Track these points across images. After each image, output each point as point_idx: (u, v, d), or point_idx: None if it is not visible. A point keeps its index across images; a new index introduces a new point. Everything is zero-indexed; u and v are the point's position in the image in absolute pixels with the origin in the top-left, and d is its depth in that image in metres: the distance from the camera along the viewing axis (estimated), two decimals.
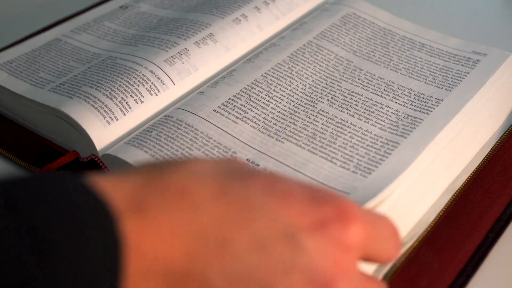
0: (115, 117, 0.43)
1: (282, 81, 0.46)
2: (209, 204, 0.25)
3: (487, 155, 0.43)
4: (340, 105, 0.44)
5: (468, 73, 0.45)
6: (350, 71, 0.47)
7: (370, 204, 0.35)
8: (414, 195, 0.38)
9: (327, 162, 0.39)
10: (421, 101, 0.43)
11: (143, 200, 0.24)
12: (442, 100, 0.43)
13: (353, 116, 0.43)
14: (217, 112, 0.43)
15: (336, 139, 0.41)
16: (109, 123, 0.43)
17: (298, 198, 0.27)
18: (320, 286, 0.26)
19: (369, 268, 0.35)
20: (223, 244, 0.25)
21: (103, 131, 0.42)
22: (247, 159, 0.39)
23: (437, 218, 0.38)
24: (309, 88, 0.45)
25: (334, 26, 0.51)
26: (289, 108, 0.44)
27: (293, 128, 0.42)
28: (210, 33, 0.50)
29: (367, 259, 0.29)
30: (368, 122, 0.42)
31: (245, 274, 0.25)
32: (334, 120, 0.42)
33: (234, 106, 0.43)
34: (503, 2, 0.62)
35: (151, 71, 0.46)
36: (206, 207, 0.25)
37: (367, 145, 0.40)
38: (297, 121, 0.42)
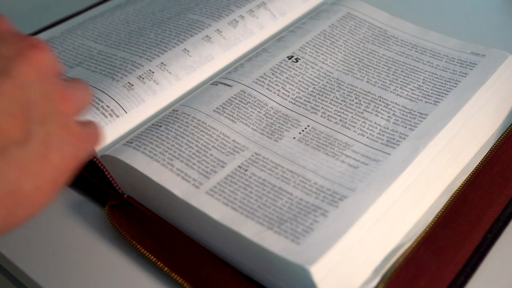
0: (114, 118, 0.43)
1: (277, 85, 0.46)
2: None
3: (485, 156, 0.43)
4: (343, 100, 0.44)
5: (467, 74, 0.45)
6: (357, 67, 0.47)
7: (373, 202, 0.35)
8: (413, 195, 0.38)
9: (330, 158, 0.39)
10: (423, 95, 0.44)
11: None
12: (440, 100, 0.43)
13: (352, 112, 0.43)
14: (217, 112, 0.43)
15: (348, 129, 0.41)
16: (107, 124, 0.43)
17: None
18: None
19: (369, 268, 0.35)
20: None
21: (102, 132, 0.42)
22: (240, 165, 0.39)
23: (435, 218, 0.38)
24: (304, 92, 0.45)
25: (332, 27, 0.51)
26: (285, 109, 0.44)
27: (285, 129, 0.42)
28: (207, 35, 0.50)
29: None
30: (378, 116, 0.42)
31: None
32: (336, 118, 0.42)
33: (234, 107, 0.43)
34: (502, 2, 0.62)
35: (150, 70, 0.46)
36: None
37: (373, 138, 0.40)
38: (289, 122, 0.42)
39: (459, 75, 0.45)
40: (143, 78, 0.46)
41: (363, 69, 0.47)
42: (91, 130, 0.33)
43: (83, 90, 0.32)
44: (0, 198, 0.27)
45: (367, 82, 0.46)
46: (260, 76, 0.46)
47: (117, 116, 0.43)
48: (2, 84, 0.27)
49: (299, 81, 0.46)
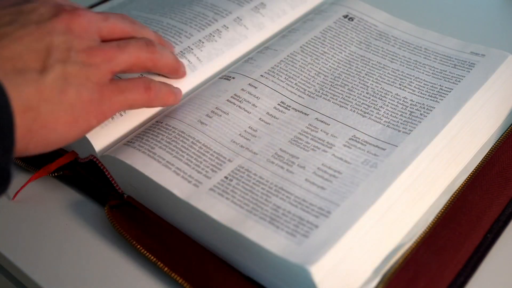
0: (114, 117, 0.43)
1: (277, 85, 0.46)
2: None
3: (485, 156, 0.43)
4: (341, 100, 0.44)
5: (467, 73, 0.45)
6: (359, 64, 0.47)
7: (373, 202, 0.35)
8: (413, 195, 0.38)
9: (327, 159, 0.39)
10: (426, 92, 0.44)
11: None
12: (440, 99, 0.43)
13: (353, 111, 0.43)
14: (219, 109, 0.43)
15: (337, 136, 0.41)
16: (108, 123, 0.42)
17: None
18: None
19: (369, 268, 0.35)
20: None
21: (101, 131, 0.42)
22: (241, 164, 0.39)
23: (435, 219, 0.38)
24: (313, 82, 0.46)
25: (331, 28, 0.51)
26: (285, 108, 0.44)
27: (286, 131, 0.42)
28: (210, 33, 0.50)
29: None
30: (373, 116, 0.42)
31: None
32: (338, 118, 0.42)
33: (243, 98, 0.43)
34: (502, 2, 0.62)
35: None
36: None
37: (368, 143, 0.40)
38: (292, 122, 0.42)
39: (459, 74, 0.45)
40: None
41: (362, 68, 0.47)
42: (155, 90, 0.39)
43: (128, 53, 0.38)
44: (18, 111, 0.31)
45: (367, 81, 0.46)
46: (260, 76, 0.46)
47: (117, 116, 0.43)
48: (35, 29, 0.34)
49: (300, 80, 0.46)
